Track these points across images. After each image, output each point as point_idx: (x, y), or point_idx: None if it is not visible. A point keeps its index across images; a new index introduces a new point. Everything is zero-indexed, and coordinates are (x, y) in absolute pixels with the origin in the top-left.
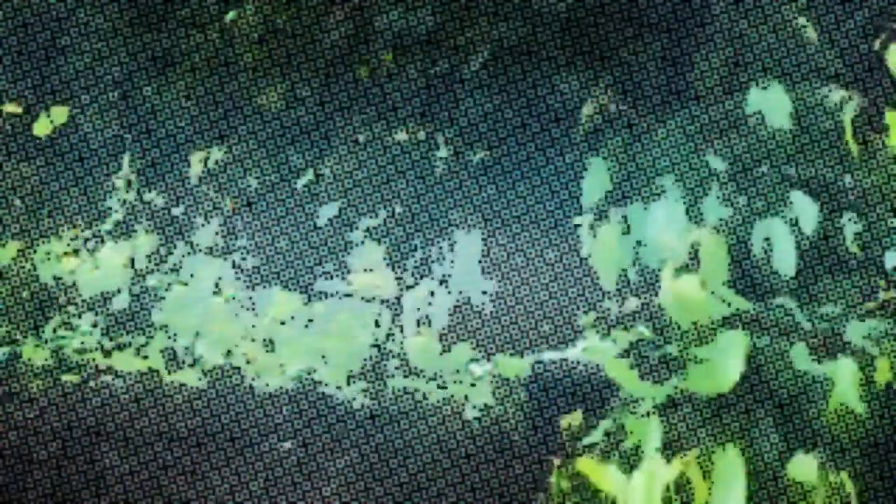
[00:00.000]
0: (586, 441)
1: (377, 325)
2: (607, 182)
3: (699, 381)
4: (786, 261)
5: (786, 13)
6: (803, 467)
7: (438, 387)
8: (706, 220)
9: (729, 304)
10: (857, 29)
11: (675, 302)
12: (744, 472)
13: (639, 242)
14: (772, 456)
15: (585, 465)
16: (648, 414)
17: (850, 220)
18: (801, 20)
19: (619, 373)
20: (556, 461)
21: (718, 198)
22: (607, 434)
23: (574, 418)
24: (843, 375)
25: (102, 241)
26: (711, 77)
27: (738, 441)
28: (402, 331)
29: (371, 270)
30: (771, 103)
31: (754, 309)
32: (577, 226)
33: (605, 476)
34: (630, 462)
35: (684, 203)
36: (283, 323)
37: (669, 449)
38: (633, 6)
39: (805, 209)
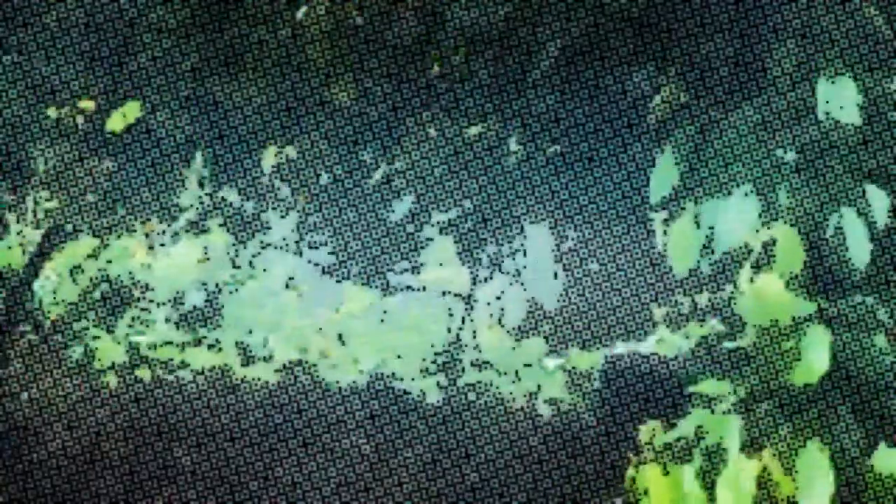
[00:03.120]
0: (664, 440)
1: (450, 317)
2: (675, 176)
3: (784, 376)
4: (860, 251)
5: (855, 2)
6: (887, 460)
7: (511, 381)
8: (778, 213)
9: (808, 300)
10: None
11: (754, 301)
12: (829, 468)
13: (711, 235)
14: (854, 450)
15: (652, 475)
16: (728, 411)
17: None
18: (871, 9)
19: (699, 385)
20: (633, 460)
21: (788, 190)
22: (685, 434)
23: (653, 427)
24: None
25: (176, 238)
26: (780, 67)
27: (819, 436)
28: (475, 325)
29: (444, 265)
30: (840, 97)
31: (831, 303)
32: (650, 219)
33: (666, 489)
34: (708, 462)
35: (755, 195)
36: (355, 318)
37: (749, 446)
38: None
39: (877, 200)
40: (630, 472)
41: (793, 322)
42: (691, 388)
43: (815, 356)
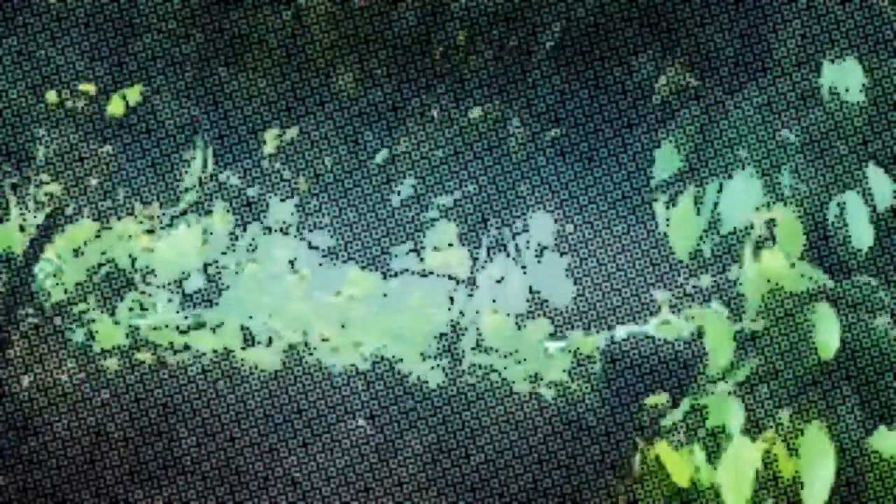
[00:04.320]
0: (666, 421)
1: (452, 301)
2: (678, 159)
3: (789, 356)
4: (862, 234)
5: None
6: (886, 441)
7: (513, 364)
8: (781, 195)
9: (811, 279)
10: None
11: (757, 277)
12: (832, 449)
13: (713, 216)
14: (855, 432)
15: (664, 451)
16: (730, 393)
17: None
18: None
19: (716, 341)
20: (640, 443)
21: (792, 172)
22: (687, 414)
23: (659, 399)
24: None
25: (176, 221)
26: (784, 49)
27: (822, 418)
28: (476, 308)
29: (446, 249)
30: (844, 77)
31: (833, 284)
32: (652, 201)
33: (681, 463)
34: (712, 442)
35: (758, 177)
36: (357, 301)
37: (752, 427)
38: None
39: (879, 182)
40: (640, 448)
41: (798, 301)
42: (708, 343)
43: (827, 334)
